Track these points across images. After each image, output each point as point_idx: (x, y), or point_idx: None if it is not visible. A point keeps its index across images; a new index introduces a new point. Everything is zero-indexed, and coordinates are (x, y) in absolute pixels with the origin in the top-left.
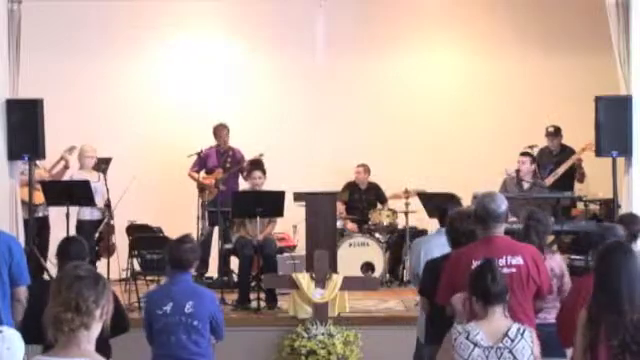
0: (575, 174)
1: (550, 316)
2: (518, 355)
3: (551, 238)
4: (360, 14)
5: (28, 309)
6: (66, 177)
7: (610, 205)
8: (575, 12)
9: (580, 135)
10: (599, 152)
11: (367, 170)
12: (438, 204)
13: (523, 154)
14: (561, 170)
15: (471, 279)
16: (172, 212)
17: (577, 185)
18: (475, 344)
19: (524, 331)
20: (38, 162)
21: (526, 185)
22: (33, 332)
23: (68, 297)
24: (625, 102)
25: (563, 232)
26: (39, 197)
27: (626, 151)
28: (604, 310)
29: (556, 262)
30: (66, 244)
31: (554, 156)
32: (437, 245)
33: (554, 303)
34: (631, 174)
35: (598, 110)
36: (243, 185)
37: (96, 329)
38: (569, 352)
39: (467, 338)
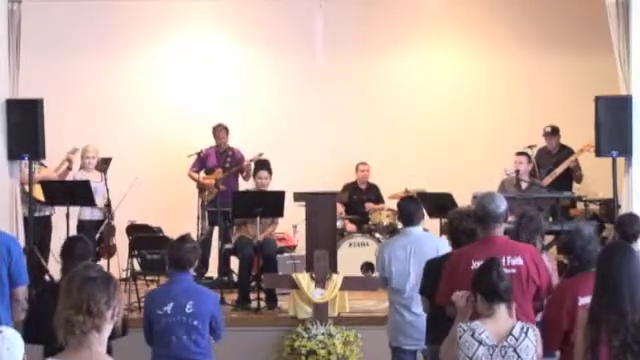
0: (573, 174)
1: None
2: (522, 354)
3: (550, 238)
4: (360, 15)
5: (30, 310)
6: (69, 177)
7: (610, 205)
8: (575, 12)
9: (580, 135)
10: (599, 152)
11: (369, 169)
12: (434, 204)
13: (519, 154)
14: (559, 170)
15: (475, 277)
16: (172, 212)
17: (576, 185)
18: (480, 342)
19: (528, 330)
20: (45, 163)
21: (524, 185)
22: (34, 333)
23: (79, 299)
24: (625, 102)
25: (563, 232)
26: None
27: (626, 151)
28: (605, 310)
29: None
30: (71, 243)
31: (552, 156)
32: (400, 246)
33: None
34: (631, 174)
35: (598, 110)
36: (243, 185)
37: (107, 330)
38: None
39: (472, 336)
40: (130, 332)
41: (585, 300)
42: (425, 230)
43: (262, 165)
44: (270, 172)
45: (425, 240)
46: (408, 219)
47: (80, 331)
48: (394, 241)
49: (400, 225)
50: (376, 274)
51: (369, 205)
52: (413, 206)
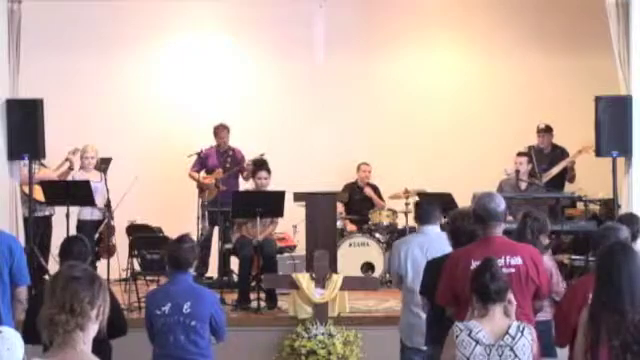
0: (566, 174)
1: (543, 314)
2: (519, 353)
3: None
4: (360, 14)
5: (29, 309)
6: (69, 178)
7: (610, 205)
8: (575, 12)
9: (580, 135)
10: (599, 152)
11: (371, 170)
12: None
13: (520, 154)
14: (555, 171)
15: (471, 278)
16: (172, 212)
17: (576, 185)
18: (477, 341)
19: (524, 328)
20: (44, 163)
21: (523, 185)
22: (33, 332)
23: (62, 298)
24: (625, 102)
25: (563, 232)
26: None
27: (626, 151)
28: (605, 310)
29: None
30: (68, 243)
31: (545, 155)
32: (417, 245)
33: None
34: (631, 174)
35: (598, 110)
36: (243, 185)
37: (92, 330)
38: (560, 352)
39: (469, 335)
40: (130, 332)
41: None
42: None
43: (261, 165)
44: (269, 172)
45: (442, 241)
46: (425, 218)
47: (63, 330)
48: (411, 239)
49: (400, 225)
50: (376, 274)
51: (368, 190)
52: (431, 205)
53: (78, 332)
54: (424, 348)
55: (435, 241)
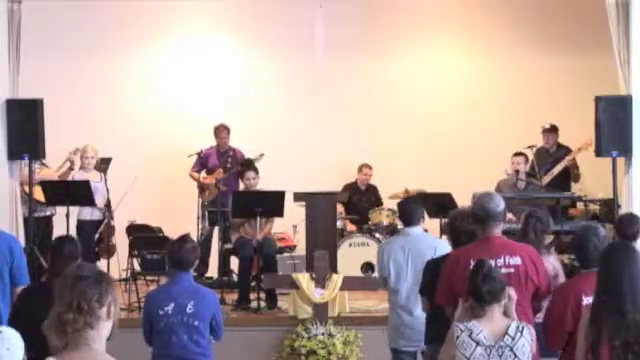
0: (569, 173)
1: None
2: (519, 353)
3: (550, 238)
4: (360, 14)
5: (15, 307)
6: (69, 178)
7: (610, 205)
8: (575, 12)
9: (580, 135)
10: (599, 152)
11: (372, 173)
12: (431, 204)
13: (517, 154)
14: (556, 170)
15: (468, 279)
16: (172, 212)
17: (577, 185)
18: (477, 342)
19: (523, 328)
20: (45, 163)
21: (521, 185)
22: (19, 331)
23: (70, 297)
24: (625, 102)
25: (563, 232)
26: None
27: (626, 151)
28: (607, 310)
29: (550, 263)
30: (59, 243)
31: (550, 155)
32: (399, 246)
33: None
34: (631, 174)
35: (598, 110)
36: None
37: (105, 328)
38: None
39: (470, 336)
40: (130, 332)
41: (589, 300)
42: (425, 231)
43: (248, 166)
44: (257, 172)
45: (422, 240)
46: (407, 219)
47: (72, 329)
48: (394, 241)
49: (400, 225)
50: (376, 274)
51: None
52: (412, 206)
53: (88, 331)
54: (407, 349)
55: (417, 242)
